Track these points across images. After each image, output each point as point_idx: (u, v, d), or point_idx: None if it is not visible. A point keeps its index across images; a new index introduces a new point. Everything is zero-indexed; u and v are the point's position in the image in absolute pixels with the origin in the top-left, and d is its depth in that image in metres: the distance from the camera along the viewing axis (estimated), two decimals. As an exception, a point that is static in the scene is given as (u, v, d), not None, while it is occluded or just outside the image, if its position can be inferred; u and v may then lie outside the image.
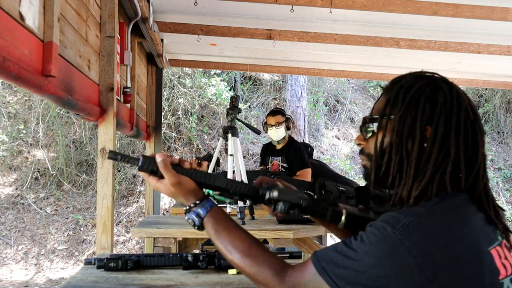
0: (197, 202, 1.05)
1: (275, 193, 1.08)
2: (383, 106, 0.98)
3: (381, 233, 0.84)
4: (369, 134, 1.01)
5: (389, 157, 0.95)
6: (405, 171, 0.93)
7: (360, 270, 0.84)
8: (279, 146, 4.05)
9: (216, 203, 1.08)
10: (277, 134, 3.95)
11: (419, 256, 0.81)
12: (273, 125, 3.93)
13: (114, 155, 1.08)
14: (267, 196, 1.09)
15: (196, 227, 1.05)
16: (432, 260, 0.82)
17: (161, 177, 1.06)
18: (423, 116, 0.92)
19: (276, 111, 4.01)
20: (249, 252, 0.98)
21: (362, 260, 0.84)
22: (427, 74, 0.99)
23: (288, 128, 3.98)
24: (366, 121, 1.02)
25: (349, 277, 0.85)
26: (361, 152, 1.05)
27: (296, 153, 3.96)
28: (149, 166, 1.06)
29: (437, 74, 0.99)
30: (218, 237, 1.02)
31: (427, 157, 0.92)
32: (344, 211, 1.12)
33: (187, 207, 1.06)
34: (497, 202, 0.97)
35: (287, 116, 4.00)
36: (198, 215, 1.04)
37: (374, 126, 1.00)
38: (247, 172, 2.79)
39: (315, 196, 1.13)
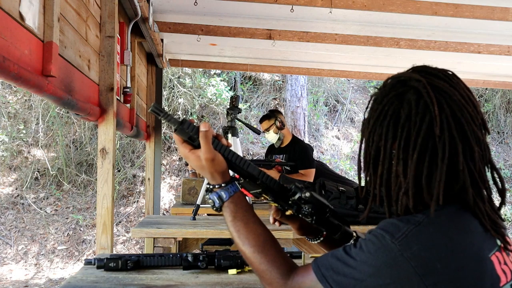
0: (223, 184, 1.01)
1: (307, 194, 1.07)
2: (364, 117, 0.97)
3: (380, 242, 0.83)
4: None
5: (366, 174, 0.96)
6: (377, 184, 0.93)
7: (359, 278, 0.84)
8: (281, 146, 4.10)
9: (240, 188, 1.04)
10: (270, 138, 4.10)
11: (419, 267, 0.81)
12: (264, 132, 4.08)
13: (157, 110, 1.00)
14: (298, 195, 1.08)
15: (214, 208, 1.02)
16: (432, 270, 0.81)
17: (196, 147, 1.01)
18: (388, 133, 0.91)
19: (262, 118, 4.11)
20: (262, 248, 0.97)
21: (360, 268, 0.84)
22: (409, 77, 0.93)
23: (279, 128, 4.01)
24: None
25: (348, 284, 0.84)
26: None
27: (303, 152, 4.02)
28: (190, 132, 1.01)
29: (423, 74, 0.93)
30: (234, 225, 1.00)
31: (396, 176, 0.90)
32: (354, 234, 1.13)
33: (210, 186, 1.03)
34: (495, 204, 0.94)
35: (276, 116, 4.03)
36: (220, 197, 1.01)
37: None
38: (251, 161, 2.81)
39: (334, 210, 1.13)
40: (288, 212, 1.12)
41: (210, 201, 1.02)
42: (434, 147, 0.88)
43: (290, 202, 1.09)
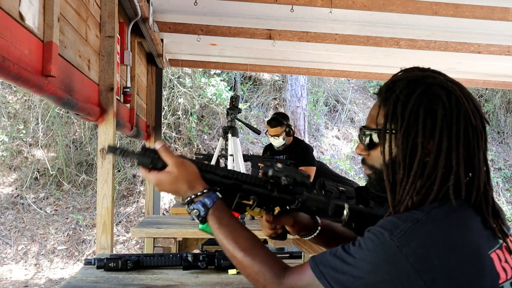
0: (204, 191, 1.01)
1: (279, 165, 1.07)
2: (383, 121, 0.94)
3: (379, 239, 0.84)
4: (370, 146, 0.99)
5: (394, 172, 0.93)
6: (409, 185, 0.92)
7: (357, 275, 0.84)
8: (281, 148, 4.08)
9: (220, 195, 1.04)
10: (276, 142, 4.03)
11: (417, 263, 0.81)
12: (272, 136, 3.98)
13: (113, 149, 1.04)
14: (270, 173, 1.08)
15: (199, 219, 1.01)
16: (430, 266, 0.81)
17: (161, 169, 1.03)
18: (425, 131, 0.90)
19: (275, 123, 3.96)
20: (252, 251, 0.97)
21: (359, 265, 0.84)
22: (422, 75, 0.95)
23: (288, 134, 3.96)
24: (365, 132, 1.00)
25: (346, 282, 0.84)
26: (363, 162, 1.03)
27: (304, 151, 4.01)
28: (149, 157, 1.02)
29: (431, 72, 0.96)
30: (222, 231, 0.99)
31: (430, 171, 0.90)
32: (346, 205, 1.11)
33: (193, 196, 1.01)
34: (496, 202, 0.96)
35: (287, 123, 3.97)
36: (204, 204, 1.00)
37: (374, 138, 0.98)
38: (252, 156, 2.81)
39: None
40: (276, 210, 1.11)
41: (195, 211, 1.01)
42: (467, 138, 0.90)
43: (269, 188, 1.08)
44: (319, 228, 1.19)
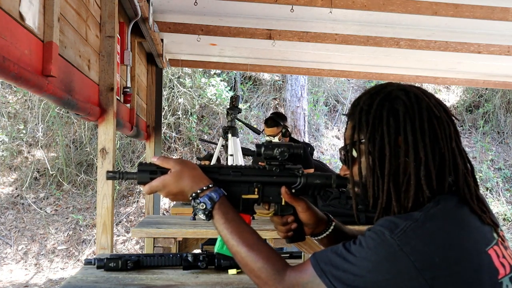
0: (210, 185, 1.03)
1: (267, 139, 1.11)
2: (351, 133, 0.99)
3: (379, 238, 0.85)
4: (350, 163, 1.01)
5: (372, 179, 0.95)
6: (389, 188, 0.93)
7: (358, 274, 0.84)
8: None
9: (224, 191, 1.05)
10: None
11: (418, 261, 0.82)
12: (268, 135, 3.91)
13: (113, 174, 1.08)
14: (262, 149, 1.09)
15: (205, 213, 1.01)
16: (431, 264, 0.82)
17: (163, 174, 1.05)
18: (390, 130, 0.93)
19: (271, 123, 3.89)
20: (257, 246, 0.98)
21: (360, 264, 0.84)
22: (381, 86, 1.00)
23: (284, 135, 3.92)
24: (341, 151, 1.03)
25: (347, 280, 0.85)
26: (350, 182, 1.04)
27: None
28: (147, 171, 1.05)
29: (390, 82, 1.01)
30: (228, 226, 1.00)
31: (404, 168, 0.92)
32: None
33: (198, 190, 1.02)
34: (481, 194, 0.97)
35: (284, 124, 3.92)
36: (211, 198, 1.01)
37: (350, 154, 1.01)
38: (253, 151, 2.78)
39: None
40: (283, 192, 1.10)
41: (201, 204, 1.01)
42: (433, 129, 0.93)
43: (267, 164, 1.10)
44: (333, 223, 1.18)
